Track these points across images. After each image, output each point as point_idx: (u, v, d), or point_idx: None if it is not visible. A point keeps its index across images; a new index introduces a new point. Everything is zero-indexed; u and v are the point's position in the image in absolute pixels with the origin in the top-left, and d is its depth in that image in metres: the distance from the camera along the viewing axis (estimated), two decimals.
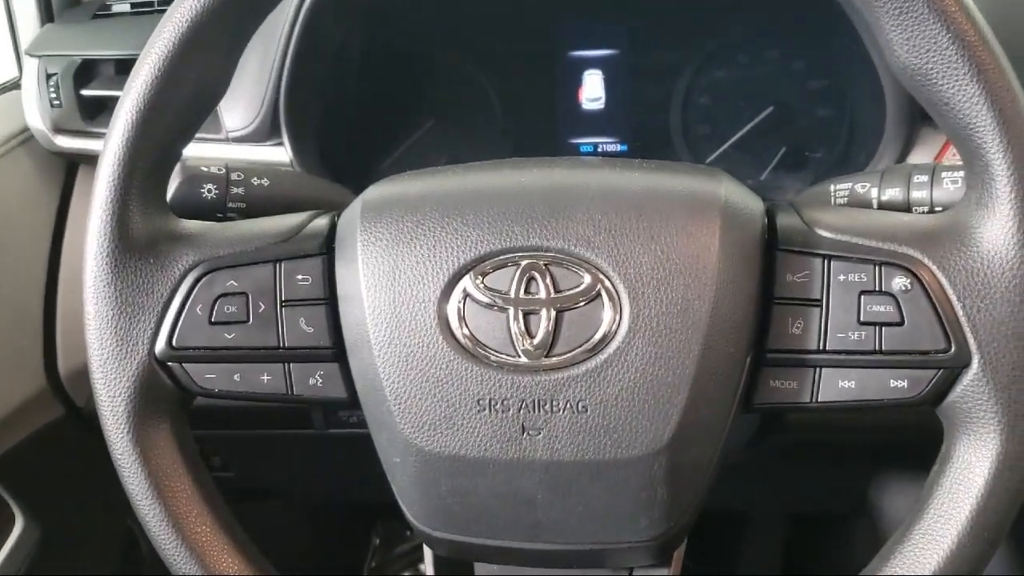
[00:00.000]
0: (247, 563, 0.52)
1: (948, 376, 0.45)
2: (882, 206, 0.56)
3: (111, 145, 0.50)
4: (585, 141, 0.92)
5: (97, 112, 0.92)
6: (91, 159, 0.93)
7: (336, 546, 1.50)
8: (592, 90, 0.92)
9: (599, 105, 0.92)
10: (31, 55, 0.93)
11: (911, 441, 0.93)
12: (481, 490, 0.48)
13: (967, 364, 0.44)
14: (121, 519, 1.07)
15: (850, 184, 0.57)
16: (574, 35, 0.91)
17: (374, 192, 0.50)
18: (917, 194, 0.55)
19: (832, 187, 0.58)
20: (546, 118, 0.92)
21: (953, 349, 0.44)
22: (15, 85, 1.01)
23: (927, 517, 0.46)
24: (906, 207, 0.55)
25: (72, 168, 0.97)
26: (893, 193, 0.56)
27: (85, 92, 0.91)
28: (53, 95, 0.91)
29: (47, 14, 0.99)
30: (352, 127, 0.91)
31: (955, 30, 0.42)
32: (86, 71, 0.92)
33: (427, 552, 0.59)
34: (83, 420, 0.96)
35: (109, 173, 0.49)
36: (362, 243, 0.48)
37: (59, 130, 0.92)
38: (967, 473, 0.45)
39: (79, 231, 0.95)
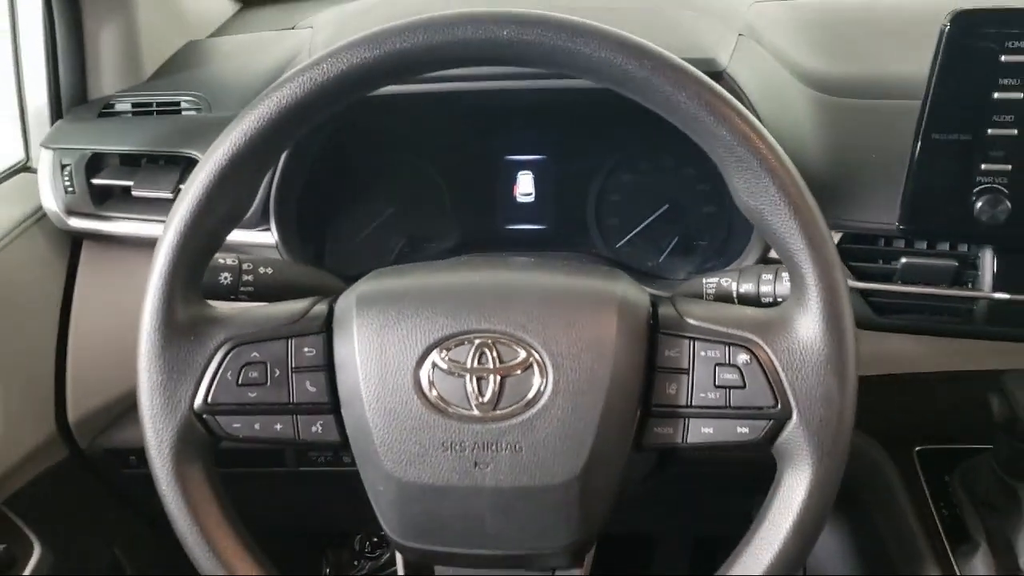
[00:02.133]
0: (262, 568, 0.66)
1: (776, 425, 0.60)
2: (740, 296, 0.73)
3: (160, 257, 0.62)
4: (518, 227, 1.06)
5: (105, 198, 1.01)
6: (97, 237, 1.03)
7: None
8: (524, 187, 1.06)
9: (530, 199, 1.06)
10: (47, 147, 1.02)
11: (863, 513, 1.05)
12: (444, 510, 0.62)
13: (789, 417, 0.60)
14: (108, 546, 1.17)
15: (717, 279, 0.74)
16: (510, 143, 1.05)
17: (366, 287, 0.65)
18: (765, 288, 0.72)
19: (704, 280, 0.75)
20: (487, 208, 1.06)
21: (779, 406, 0.60)
22: (23, 168, 1.12)
23: (763, 526, 0.61)
24: (757, 297, 0.72)
25: (77, 243, 1.07)
26: (748, 287, 0.72)
27: (95, 181, 1.00)
28: (67, 183, 1.00)
29: (56, 110, 1.09)
30: (327, 214, 1.03)
31: (779, 183, 0.59)
32: (95, 162, 1.01)
33: (399, 558, 0.73)
34: (84, 461, 1.07)
35: (159, 275, 0.62)
36: (358, 327, 0.62)
37: (71, 212, 1.01)
38: (790, 494, 0.60)
39: (85, 299, 1.05)
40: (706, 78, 0.59)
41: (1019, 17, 0.76)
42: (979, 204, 0.80)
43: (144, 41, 1.13)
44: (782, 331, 0.61)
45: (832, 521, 1.10)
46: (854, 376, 0.60)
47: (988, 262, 0.85)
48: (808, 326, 0.60)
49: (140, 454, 1.00)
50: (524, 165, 1.06)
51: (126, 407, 1.05)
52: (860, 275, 0.88)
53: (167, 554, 1.25)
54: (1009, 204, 0.79)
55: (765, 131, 0.60)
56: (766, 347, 0.61)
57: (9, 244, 1.00)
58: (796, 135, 0.88)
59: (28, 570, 0.93)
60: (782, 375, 0.60)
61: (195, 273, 0.65)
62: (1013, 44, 0.76)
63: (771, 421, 0.61)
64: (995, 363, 0.91)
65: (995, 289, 0.85)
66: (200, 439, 0.64)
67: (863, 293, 0.88)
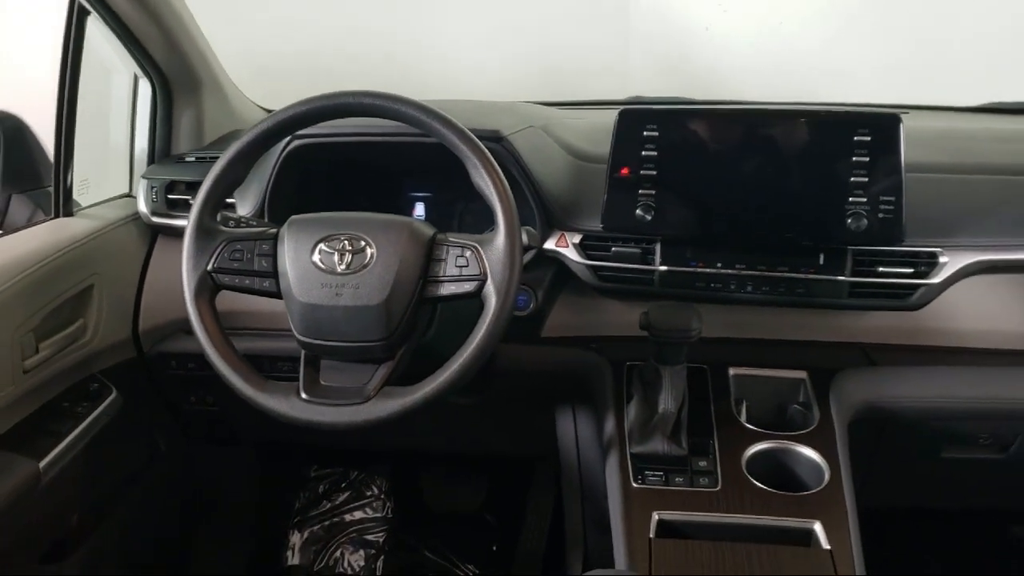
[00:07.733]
0: (237, 358, 1.22)
1: (481, 284, 1.13)
2: None
3: (200, 195, 1.24)
4: None
5: (174, 207, 1.58)
6: (168, 230, 1.63)
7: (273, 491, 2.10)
8: (419, 210, 1.61)
9: (422, 218, 1.63)
10: (144, 177, 1.64)
11: (594, 400, 1.55)
12: (321, 318, 1.18)
13: (487, 279, 1.15)
14: (148, 430, 1.74)
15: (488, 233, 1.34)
16: (412, 184, 1.62)
17: (294, 218, 1.24)
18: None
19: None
20: None
21: (483, 275, 1.15)
22: (126, 195, 1.75)
23: (470, 336, 1.16)
24: None
25: (155, 233, 1.67)
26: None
27: (170, 196, 1.58)
28: (154, 197, 1.60)
29: (151, 158, 1.73)
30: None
31: (489, 174, 1.17)
32: (171, 186, 1.58)
33: (302, 354, 1.28)
34: (143, 361, 1.64)
35: (199, 202, 1.23)
36: (287, 235, 1.20)
37: (154, 214, 1.59)
38: (486, 316, 1.15)
39: (156, 264, 1.65)
40: (461, 125, 1.20)
41: (652, 112, 1.39)
42: (638, 212, 1.40)
43: (207, 126, 1.77)
44: (488, 242, 1.18)
45: (584, 409, 1.64)
46: (519, 264, 1.17)
47: (659, 249, 1.44)
48: (499, 240, 1.17)
49: (178, 359, 1.61)
50: (419, 198, 1.63)
51: (173, 329, 1.65)
52: (590, 256, 1.46)
53: (185, 448, 1.79)
54: (654, 212, 1.39)
55: (487, 151, 1.19)
56: (480, 248, 1.15)
57: (117, 229, 1.62)
58: (556, 180, 1.48)
59: (107, 401, 1.50)
60: (485, 260, 1.13)
61: (216, 206, 1.26)
62: (649, 126, 1.38)
63: (479, 282, 1.13)
64: None
65: (662, 264, 1.43)
66: (209, 286, 1.22)
67: (593, 268, 1.46)
